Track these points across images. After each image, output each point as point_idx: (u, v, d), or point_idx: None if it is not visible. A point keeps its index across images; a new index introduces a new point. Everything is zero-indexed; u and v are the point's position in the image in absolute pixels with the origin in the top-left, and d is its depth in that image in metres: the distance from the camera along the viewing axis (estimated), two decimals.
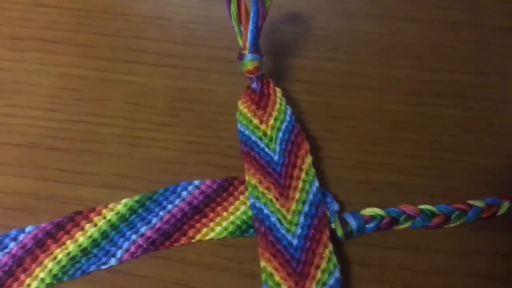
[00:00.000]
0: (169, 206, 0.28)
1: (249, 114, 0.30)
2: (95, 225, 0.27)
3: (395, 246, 0.27)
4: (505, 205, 0.27)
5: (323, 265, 0.25)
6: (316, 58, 0.35)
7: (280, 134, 0.29)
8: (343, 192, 0.29)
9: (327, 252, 0.25)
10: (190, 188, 0.28)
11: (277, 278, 0.24)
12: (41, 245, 0.26)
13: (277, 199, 0.27)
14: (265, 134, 0.29)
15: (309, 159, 0.28)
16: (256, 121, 0.30)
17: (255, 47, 0.29)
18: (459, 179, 0.30)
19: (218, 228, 0.27)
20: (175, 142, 0.31)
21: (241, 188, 0.28)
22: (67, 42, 0.36)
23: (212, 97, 0.33)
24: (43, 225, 0.26)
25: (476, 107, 0.33)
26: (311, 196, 0.27)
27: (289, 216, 0.26)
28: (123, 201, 0.27)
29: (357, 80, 0.34)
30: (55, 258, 0.25)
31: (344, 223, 0.27)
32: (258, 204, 0.27)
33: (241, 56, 0.30)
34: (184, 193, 0.28)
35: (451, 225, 0.27)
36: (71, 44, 0.35)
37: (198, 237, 0.27)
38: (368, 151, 0.31)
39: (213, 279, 0.26)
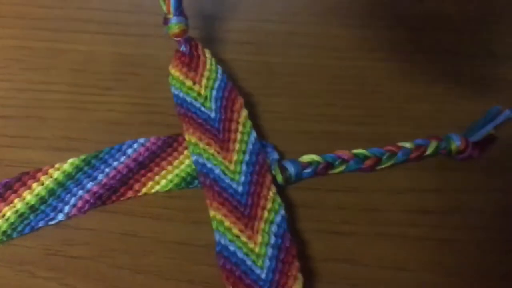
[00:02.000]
0: (115, 163, 0.28)
1: (181, 77, 0.30)
2: (42, 183, 0.27)
3: (334, 189, 0.28)
4: (433, 144, 0.29)
5: (269, 205, 0.26)
6: (254, 20, 0.36)
7: (214, 92, 0.30)
8: (283, 143, 0.30)
9: (271, 193, 0.26)
10: (135, 145, 0.29)
11: (227, 223, 0.25)
12: None
13: (218, 153, 0.28)
14: (199, 94, 0.30)
15: (244, 112, 0.29)
16: (189, 82, 0.30)
17: (179, 10, 0.30)
18: (394, 125, 0.31)
19: (164, 181, 0.28)
20: (120, 105, 0.31)
21: (186, 143, 0.29)
22: (12, 16, 0.36)
23: (155, 61, 0.33)
24: None
25: (408, 59, 0.34)
26: (250, 146, 0.28)
27: (231, 167, 0.27)
28: (69, 160, 0.28)
29: (295, 39, 0.35)
30: (3, 215, 0.26)
31: (283, 170, 0.28)
32: (201, 160, 0.27)
33: (166, 21, 0.30)
34: (130, 151, 0.29)
35: (383, 166, 0.28)
36: (16, 17, 0.35)
37: (144, 190, 0.27)
38: (307, 104, 0.32)
39: (160, 228, 0.27)
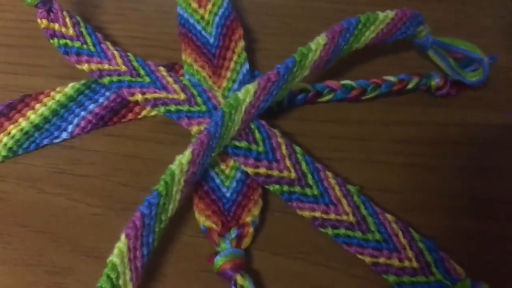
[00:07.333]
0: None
1: None
2: (45, 105, 0.26)
3: (325, 120, 0.28)
4: (415, 80, 0.28)
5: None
6: None
7: (217, 19, 0.29)
8: None
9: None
10: None
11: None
12: None
13: (210, 77, 0.27)
14: (202, 17, 0.29)
15: (241, 43, 0.28)
16: (194, 4, 0.29)
17: None
18: (383, 65, 0.31)
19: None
20: (120, 38, 0.30)
21: (181, 71, 0.28)
22: None
23: None
24: None
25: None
26: (240, 76, 0.27)
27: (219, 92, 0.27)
28: (70, 84, 0.27)
29: None
30: (9, 133, 0.25)
31: None
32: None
33: None
34: None
35: (367, 96, 0.28)
36: None
37: (144, 113, 0.27)
38: (301, 44, 0.31)
39: (163, 151, 0.26)
